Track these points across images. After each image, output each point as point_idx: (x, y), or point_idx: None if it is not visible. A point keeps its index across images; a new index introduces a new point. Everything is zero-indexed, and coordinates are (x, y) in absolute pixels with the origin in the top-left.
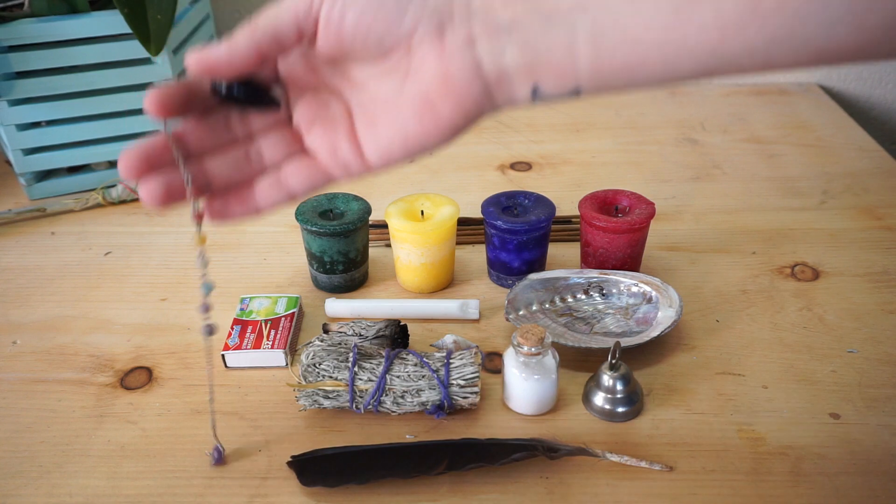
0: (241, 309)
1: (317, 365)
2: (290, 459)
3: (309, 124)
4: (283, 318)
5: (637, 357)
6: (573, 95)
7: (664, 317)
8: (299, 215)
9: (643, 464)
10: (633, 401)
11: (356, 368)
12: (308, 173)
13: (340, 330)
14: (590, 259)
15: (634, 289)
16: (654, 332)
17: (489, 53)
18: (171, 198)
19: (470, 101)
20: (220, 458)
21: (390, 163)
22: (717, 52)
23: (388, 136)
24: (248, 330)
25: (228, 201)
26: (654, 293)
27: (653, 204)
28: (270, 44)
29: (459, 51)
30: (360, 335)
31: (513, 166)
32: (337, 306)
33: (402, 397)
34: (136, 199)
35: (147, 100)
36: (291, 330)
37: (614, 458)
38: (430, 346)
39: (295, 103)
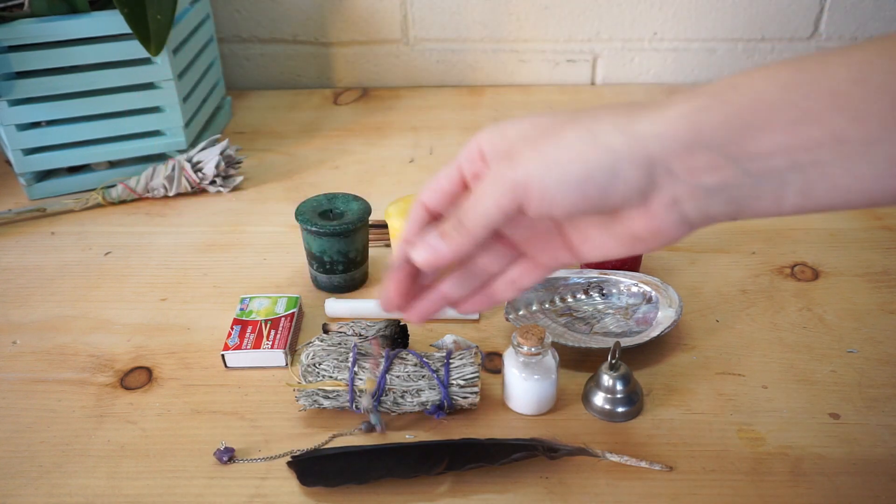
0: (241, 309)
1: (317, 365)
2: (289, 459)
3: (525, 242)
4: (282, 318)
5: (637, 357)
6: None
7: (664, 317)
8: (299, 215)
9: (643, 464)
10: (633, 401)
11: (356, 368)
12: (535, 273)
13: (340, 330)
14: None
15: (634, 289)
16: (654, 332)
17: (695, 209)
18: (429, 315)
19: (674, 238)
20: (228, 458)
21: (604, 258)
22: None
23: (600, 250)
24: (248, 330)
25: (471, 302)
26: (653, 293)
27: None
28: (487, 235)
29: (665, 210)
30: (360, 335)
31: None
32: (337, 306)
33: (402, 397)
34: (136, 199)
35: (385, 302)
36: (291, 330)
37: (614, 458)
38: (430, 346)
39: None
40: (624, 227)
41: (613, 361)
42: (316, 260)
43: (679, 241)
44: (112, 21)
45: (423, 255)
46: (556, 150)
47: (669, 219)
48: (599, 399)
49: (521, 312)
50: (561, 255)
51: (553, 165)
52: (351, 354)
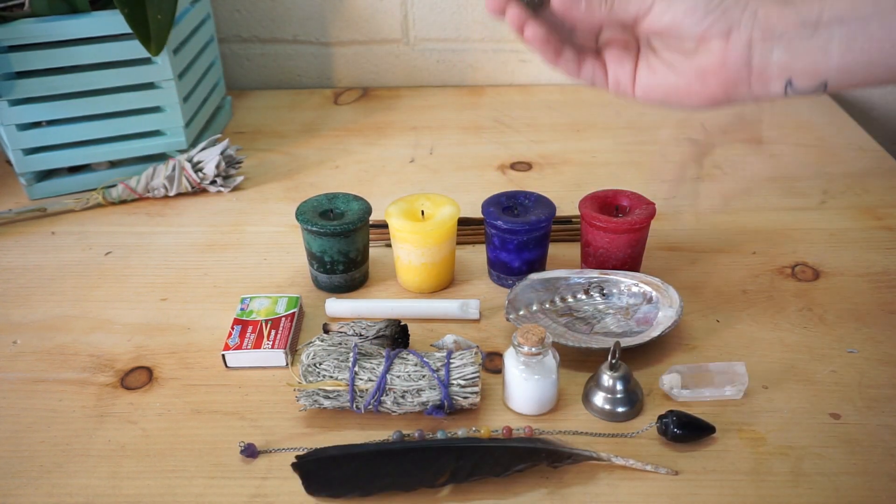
0: (242, 309)
1: (317, 365)
2: (294, 461)
3: (608, 45)
4: (283, 318)
5: (637, 357)
6: (820, 90)
7: (664, 317)
8: (300, 215)
9: (649, 467)
10: (633, 401)
11: (356, 368)
12: (599, 73)
13: (341, 330)
14: (590, 259)
15: (635, 289)
16: (655, 332)
17: (760, 52)
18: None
19: (733, 83)
20: (252, 453)
21: (647, 101)
22: None
23: (658, 83)
24: (249, 330)
25: (541, 42)
26: (654, 293)
27: (653, 204)
28: (608, 20)
29: (739, 47)
30: (361, 335)
31: (513, 166)
32: (337, 306)
33: (403, 397)
34: (137, 199)
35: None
36: (292, 330)
37: (620, 461)
38: (431, 346)
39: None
40: (699, 60)
41: (614, 361)
42: (316, 260)
43: (736, 92)
44: (112, 21)
45: None
46: None
47: (739, 55)
48: (600, 399)
49: (521, 312)
50: (623, 74)
51: None
52: (351, 354)
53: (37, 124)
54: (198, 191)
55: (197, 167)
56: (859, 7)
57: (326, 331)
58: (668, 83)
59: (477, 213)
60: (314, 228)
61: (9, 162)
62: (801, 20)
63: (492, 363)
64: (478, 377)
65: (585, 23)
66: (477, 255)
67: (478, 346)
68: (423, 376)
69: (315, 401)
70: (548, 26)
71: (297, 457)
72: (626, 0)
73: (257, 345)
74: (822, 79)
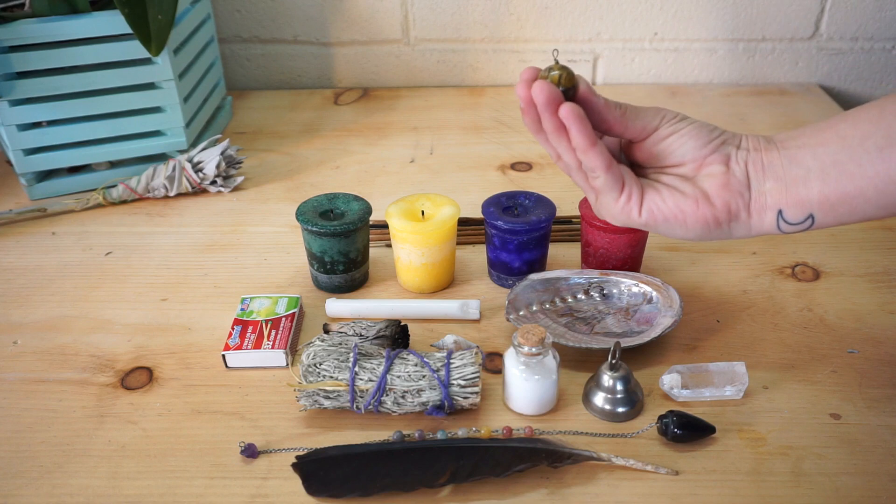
0: (242, 309)
1: (317, 365)
2: (294, 461)
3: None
4: (283, 319)
5: (637, 357)
6: (808, 224)
7: (665, 317)
8: (300, 215)
9: (649, 468)
10: (633, 401)
11: (356, 368)
12: (617, 185)
13: (341, 330)
14: (590, 259)
15: (635, 289)
16: (655, 333)
17: (755, 180)
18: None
19: (735, 206)
20: (252, 453)
21: (650, 223)
22: None
23: (663, 205)
24: (249, 330)
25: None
26: (654, 293)
27: None
28: (617, 127)
29: (738, 172)
30: (361, 335)
31: (513, 166)
32: (337, 306)
33: (403, 397)
34: (137, 199)
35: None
36: (292, 330)
37: (620, 461)
38: (431, 346)
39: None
40: (704, 182)
41: (614, 362)
42: (316, 260)
43: (735, 215)
44: (113, 21)
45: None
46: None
47: (741, 177)
48: (600, 399)
49: (521, 313)
50: (632, 206)
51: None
52: (352, 354)
53: (37, 124)
54: (198, 191)
55: (197, 167)
56: (828, 146)
57: (326, 331)
58: (673, 205)
59: (477, 214)
60: (314, 228)
61: (9, 162)
62: (782, 154)
63: (492, 363)
64: (478, 377)
65: (596, 124)
66: (477, 256)
67: (478, 347)
68: (424, 376)
69: (315, 401)
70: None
71: (297, 457)
72: (636, 115)
73: (257, 345)
74: (808, 211)
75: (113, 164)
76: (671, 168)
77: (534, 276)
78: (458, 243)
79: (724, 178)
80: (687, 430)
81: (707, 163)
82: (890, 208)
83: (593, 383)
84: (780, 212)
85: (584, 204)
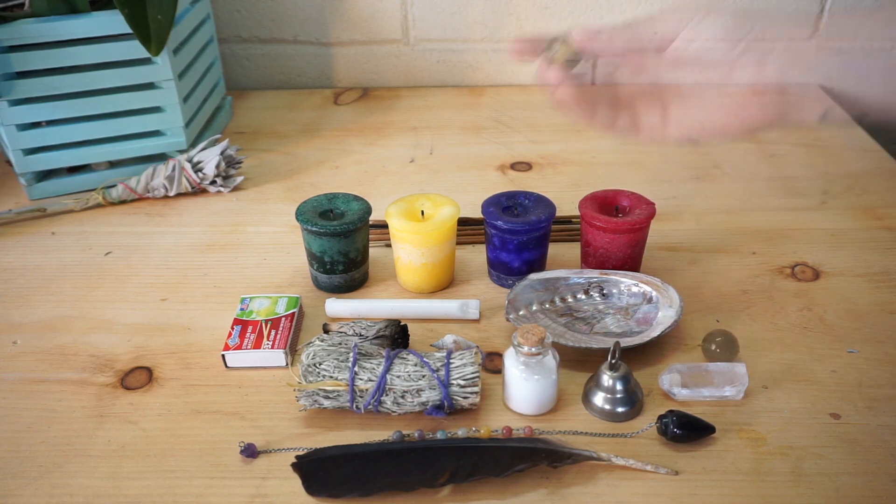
0: (242, 309)
1: (317, 365)
2: (294, 461)
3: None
4: (283, 318)
5: (637, 357)
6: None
7: (664, 317)
8: (300, 215)
9: (649, 468)
10: (633, 401)
11: (356, 368)
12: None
13: (341, 330)
14: (590, 259)
15: (635, 289)
16: (655, 333)
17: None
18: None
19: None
20: (252, 453)
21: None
22: None
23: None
24: (249, 330)
25: None
26: (654, 293)
27: (653, 204)
28: None
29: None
30: (361, 335)
31: (513, 166)
32: (337, 306)
33: (403, 397)
34: (137, 199)
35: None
36: (292, 330)
37: (620, 461)
38: (431, 346)
39: None
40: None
41: (613, 361)
42: (316, 260)
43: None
44: (112, 21)
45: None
46: None
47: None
48: (599, 399)
49: (521, 312)
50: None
51: None
52: (351, 354)
53: (37, 124)
54: (198, 191)
55: (197, 167)
56: None
57: (326, 331)
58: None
59: (477, 213)
60: (314, 228)
61: (9, 162)
62: None
63: (492, 363)
64: (478, 377)
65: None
66: (477, 255)
67: (478, 346)
68: (423, 376)
69: (315, 401)
70: (578, 88)
71: (297, 457)
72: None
73: (257, 345)
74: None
75: (113, 164)
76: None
77: (534, 276)
78: (457, 243)
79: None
80: (687, 429)
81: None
82: None
83: (593, 383)
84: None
85: (584, 204)
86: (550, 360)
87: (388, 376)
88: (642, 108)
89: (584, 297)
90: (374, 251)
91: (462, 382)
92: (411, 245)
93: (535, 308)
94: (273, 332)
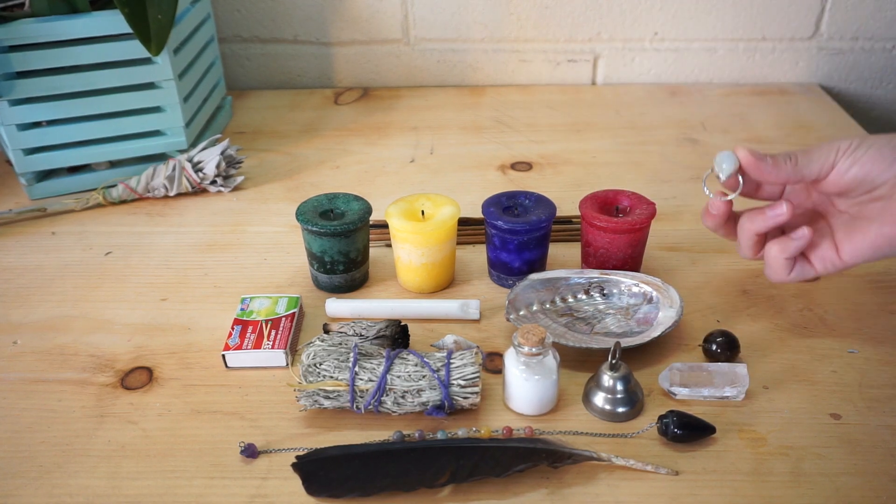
0: (242, 309)
1: (317, 365)
2: (294, 461)
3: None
4: (283, 318)
5: (637, 357)
6: None
7: (665, 317)
8: (300, 215)
9: (649, 468)
10: (633, 401)
11: (357, 368)
12: (806, 266)
13: (341, 330)
14: (590, 259)
15: (635, 289)
16: (655, 333)
17: None
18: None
19: None
20: (252, 453)
21: (860, 262)
22: None
23: (864, 240)
24: (249, 330)
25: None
26: (654, 293)
27: (653, 204)
28: (794, 178)
29: None
30: (361, 335)
31: (513, 166)
32: (337, 306)
33: (403, 397)
34: (137, 199)
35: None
36: (292, 330)
37: (620, 461)
38: (431, 346)
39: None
40: (882, 223)
41: (614, 361)
42: (316, 260)
43: None
44: (112, 21)
45: (749, 158)
46: None
47: None
48: (600, 399)
49: (521, 312)
50: (829, 254)
51: None
52: (352, 354)
53: (37, 124)
54: (198, 191)
55: (197, 167)
56: None
57: (326, 331)
58: (875, 235)
59: (477, 213)
60: (314, 228)
61: (9, 162)
62: None
63: (492, 363)
64: (478, 377)
65: (774, 182)
66: (477, 255)
67: (478, 347)
68: (424, 376)
69: (315, 401)
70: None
71: (297, 457)
72: (809, 159)
73: (257, 345)
74: None
75: (113, 164)
76: (866, 196)
77: (534, 276)
78: (458, 243)
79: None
80: (687, 430)
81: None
82: None
83: (593, 383)
84: None
85: (584, 204)
86: (551, 360)
87: (388, 376)
88: (810, 247)
89: (584, 297)
90: (375, 251)
91: (462, 382)
92: (411, 245)
93: (535, 308)
94: (273, 332)
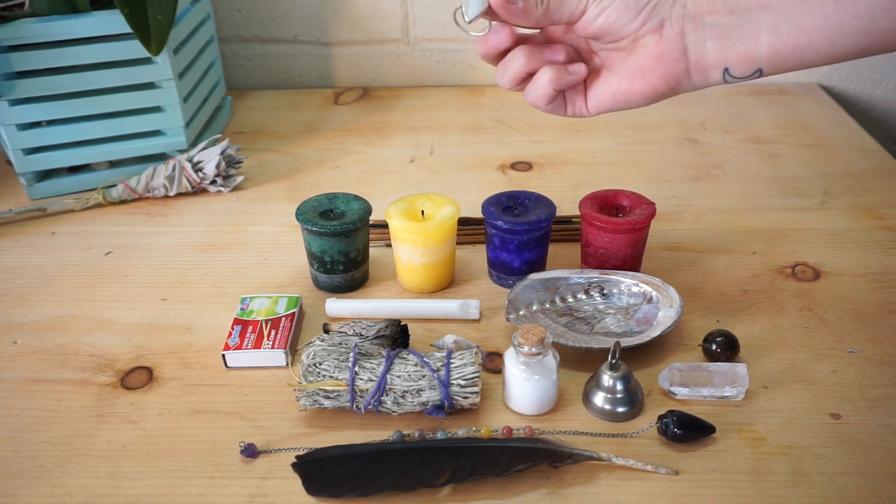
0: (242, 309)
1: (317, 365)
2: (294, 461)
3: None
4: (283, 318)
5: (637, 357)
6: (756, 76)
7: (665, 317)
8: (300, 215)
9: (649, 468)
10: (633, 401)
11: (356, 368)
12: (557, 104)
13: (341, 330)
14: (590, 259)
15: (635, 289)
16: (655, 332)
17: (694, 43)
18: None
19: (673, 75)
20: (252, 453)
21: (600, 111)
22: (869, 32)
23: (604, 90)
24: (249, 330)
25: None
26: (654, 293)
27: (653, 204)
28: (544, 21)
29: (673, 39)
30: (361, 335)
31: (513, 166)
32: (337, 306)
33: (403, 397)
34: (137, 199)
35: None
36: (292, 330)
37: (620, 461)
38: (431, 346)
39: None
40: (636, 58)
41: (614, 361)
42: (316, 260)
43: (677, 83)
44: (112, 21)
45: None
46: None
47: (674, 47)
48: (600, 399)
49: (521, 312)
50: (578, 98)
51: None
52: (351, 354)
53: (37, 124)
54: (198, 191)
55: (197, 167)
56: None
57: (326, 331)
58: (612, 88)
59: (477, 213)
60: (314, 228)
61: (9, 162)
62: (727, 8)
63: (492, 363)
64: (478, 377)
65: (525, 25)
66: (477, 255)
67: (478, 346)
68: (424, 376)
69: (315, 401)
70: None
71: (297, 457)
72: (561, 3)
73: (257, 345)
74: (756, 66)
75: (113, 164)
76: (612, 45)
77: (534, 276)
78: (458, 243)
79: (657, 49)
80: (687, 429)
81: (640, 34)
82: (835, 59)
83: (593, 383)
84: (725, 69)
85: (584, 204)
86: (551, 360)
87: (388, 376)
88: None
89: (584, 297)
90: (375, 251)
91: (462, 382)
92: (411, 245)
93: (535, 308)
94: (273, 332)
